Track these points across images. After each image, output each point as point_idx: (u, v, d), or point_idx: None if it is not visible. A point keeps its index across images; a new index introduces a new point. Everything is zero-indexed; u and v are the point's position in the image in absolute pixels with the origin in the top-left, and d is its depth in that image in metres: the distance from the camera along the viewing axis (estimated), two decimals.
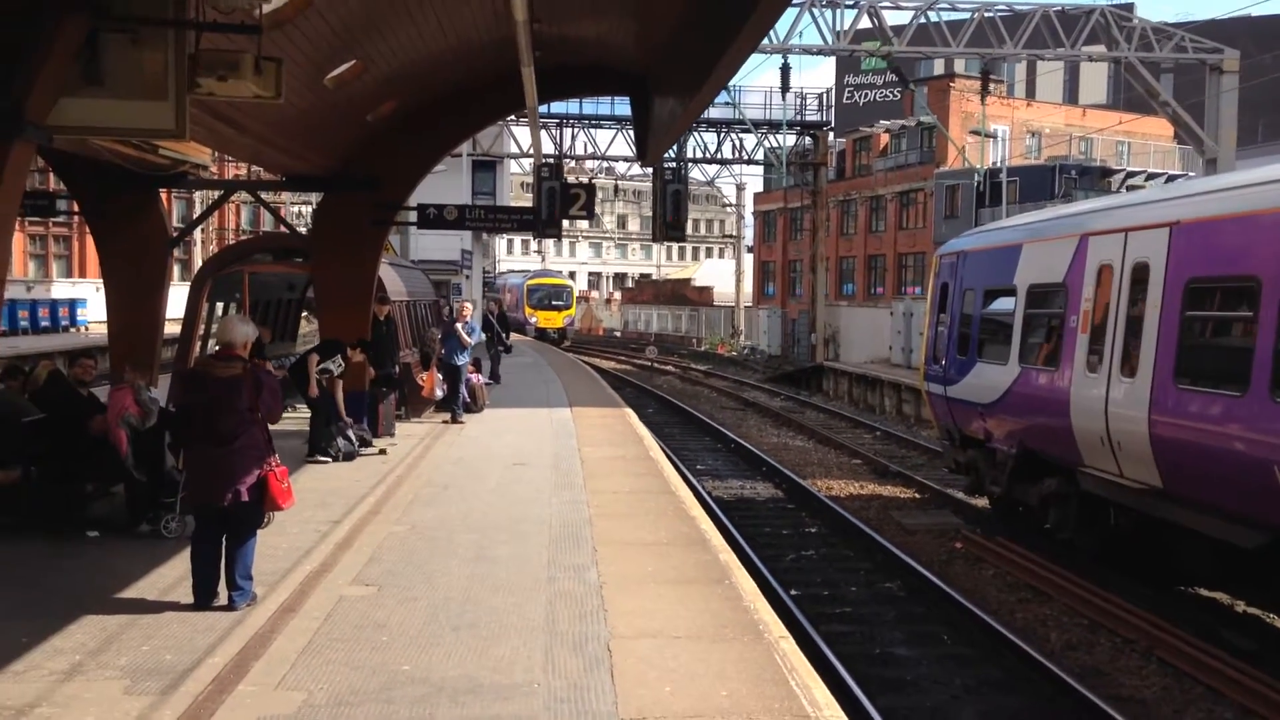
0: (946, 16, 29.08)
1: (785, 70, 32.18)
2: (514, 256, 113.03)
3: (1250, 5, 48.44)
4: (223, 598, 7.64)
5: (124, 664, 6.46)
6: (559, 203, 16.68)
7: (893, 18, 29.00)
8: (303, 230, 21.77)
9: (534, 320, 58.81)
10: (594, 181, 32.33)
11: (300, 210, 50.06)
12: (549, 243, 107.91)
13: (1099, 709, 8.83)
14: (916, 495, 18.52)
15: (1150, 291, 11.26)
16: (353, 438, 14.48)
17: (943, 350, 16.76)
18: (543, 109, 37.38)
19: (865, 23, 29.20)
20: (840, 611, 11.89)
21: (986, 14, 28.55)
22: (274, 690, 6.06)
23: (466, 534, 9.92)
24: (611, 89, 16.16)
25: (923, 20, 28.96)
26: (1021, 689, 9.69)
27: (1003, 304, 14.83)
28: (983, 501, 16.83)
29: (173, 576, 8.37)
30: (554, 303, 60.44)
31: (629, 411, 20.76)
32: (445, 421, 18.29)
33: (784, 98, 37.18)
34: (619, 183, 70.29)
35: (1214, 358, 10.56)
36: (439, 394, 18.29)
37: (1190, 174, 49.67)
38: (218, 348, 7.69)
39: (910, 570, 13.28)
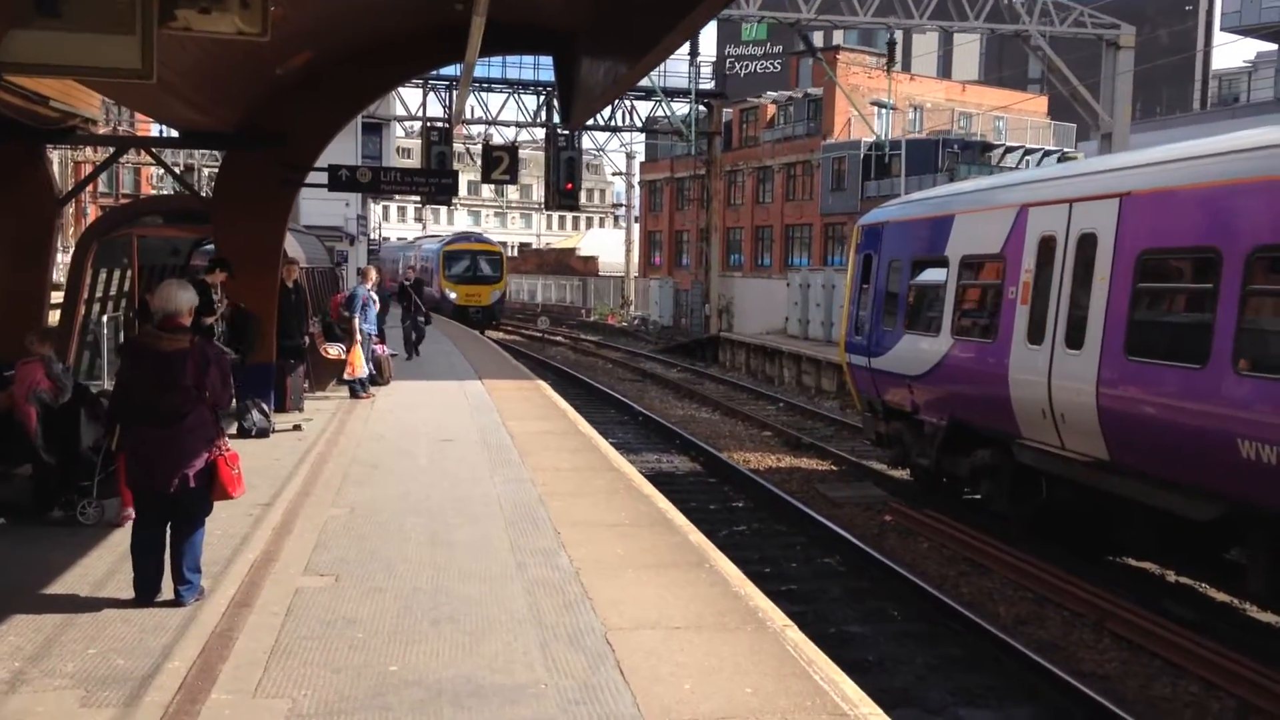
0: None
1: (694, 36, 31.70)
2: (391, 224, 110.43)
3: None
4: (166, 592, 6.94)
5: (72, 671, 5.75)
6: (485, 167, 15.97)
7: None
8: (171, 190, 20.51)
9: (453, 296, 46.45)
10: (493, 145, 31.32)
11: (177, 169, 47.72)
12: (426, 210, 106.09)
13: (1069, 685, 8.74)
14: (834, 467, 18.45)
15: (1098, 263, 11.21)
16: (267, 412, 13.66)
17: (866, 322, 16.65)
18: (432, 71, 36.23)
19: None
20: (786, 589, 11.61)
21: None
22: (253, 698, 5.45)
23: (414, 517, 9.32)
24: (536, 48, 15.51)
25: None
26: (985, 667, 9.56)
27: (933, 275, 14.74)
28: (903, 473, 16.83)
29: (102, 568, 7.62)
30: (480, 274, 48.34)
31: (543, 384, 20.25)
32: (352, 395, 17.48)
33: (692, 64, 36.73)
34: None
35: (1169, 330, 10.56)
36: (367, 370, 17.45)
37: (1066, 149, 51.13)
38: (160, 318, 6.93)
39: (847, 544, 13.13)
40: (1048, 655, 9.56)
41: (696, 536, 8.75)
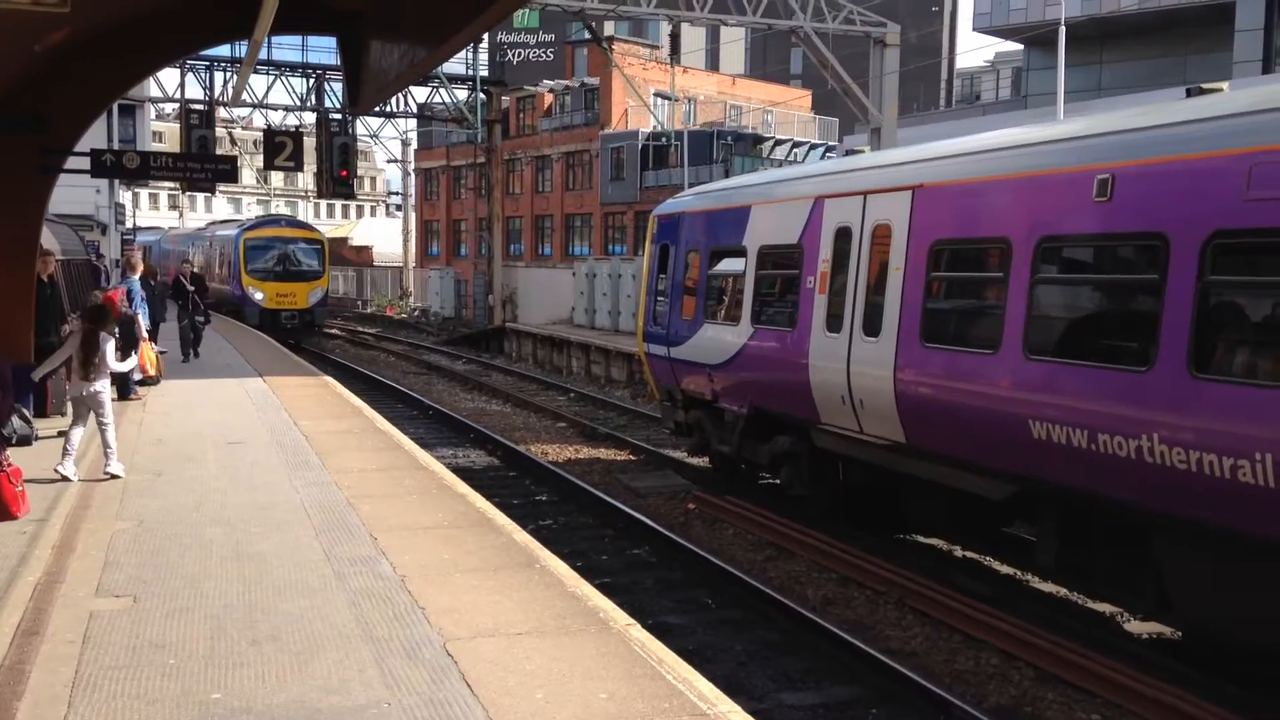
0: None
1: None
2: (142, 211, 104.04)
3: None
4: None
5: None
6: (267, 153, 15.10)
7: None
8: None
9: (259, 298, 36.04)
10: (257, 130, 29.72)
11: None
12: (184, 198, 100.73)
13: (883, 664, 8.98)
14: (633, 457, 18.51)
15: (893, 254, 11.57)
16: (29, 417, 12.53)
17: (664, 312, 16.73)
18: (204, 50, 34.23)
19: None
20: (601, 583, 11.45)
21: None
22: None
23: (212, 527, 8.70)
24: (320, 28, 14.78)
25: None
26: (802, 650, 9.72)
27: (731, 265, 14.93)
28: (703, 461, 17.04)
29: None
30: (294, 267, 37.24)
31: (331, 380, 19.48)
32: (121, 397, 16.27)
33: (474, 50, 36.09)
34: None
35: (962, 318, 10.98)
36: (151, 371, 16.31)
37: (830, 142, 53.26)
38: None
39: (656, 535, 13.15)
40: (858, 635, 9.81)
41: (522, 536, 8.51)
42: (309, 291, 36.98)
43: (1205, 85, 9.55)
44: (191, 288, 21.42)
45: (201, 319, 21.72)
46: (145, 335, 16.38)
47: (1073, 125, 10.28)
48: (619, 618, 6.59)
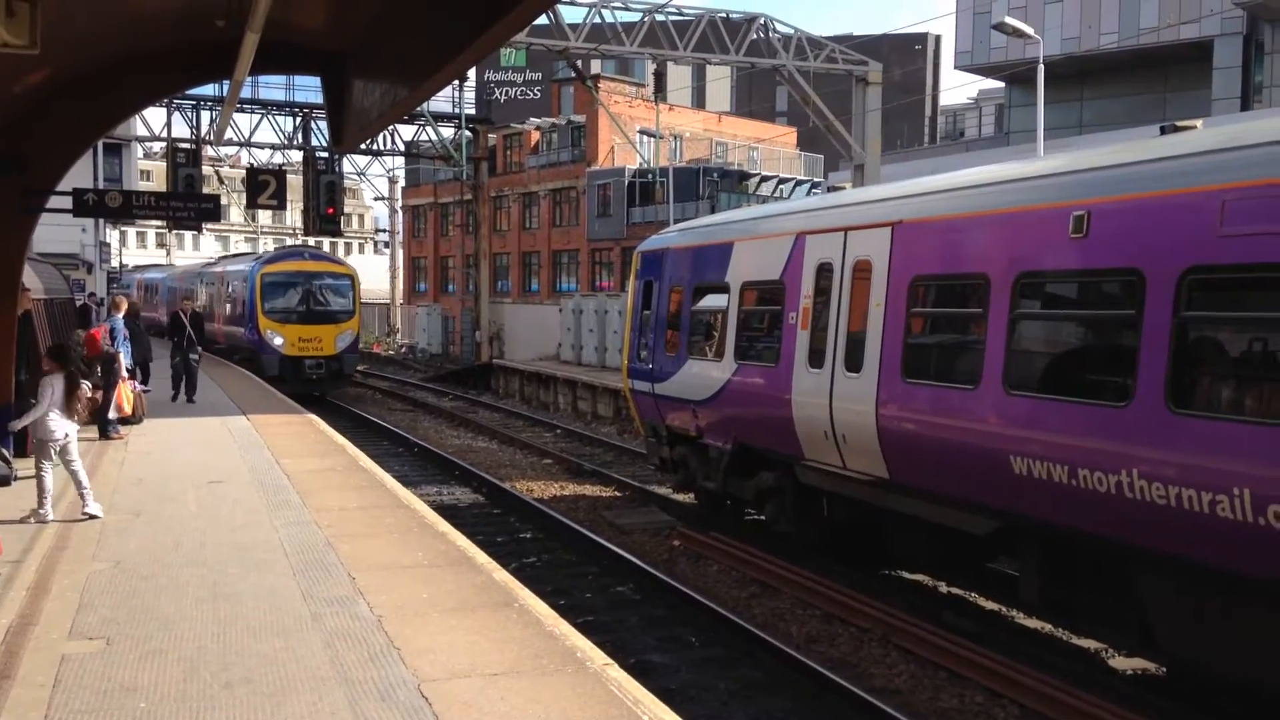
0: (622, 17, 29.54)
1: None
2: (130, 249, 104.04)
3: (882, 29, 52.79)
4: None
5: None
6: (251, 191, 15.12)
7: (568, 15, 29.13)
8: None
9: (278, 343, 30.44)
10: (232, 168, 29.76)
11: None
12: (171, 237, 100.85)
13: (868, 703, 8.92)
14: (618, 493, 18.45)
15: (874, 289, 11.60)
16: (8, 457, 12.46)
17: (648, 348, 16.74)
18: (185, 91, 34.39)
19: (540, 19, 29.06)
20: (584, 621, 11.41)
21: (657, 16, 29.21)
22: None
23: (190, 568, 8.63)
24: (303, 68, 14.85)
25: (596, 20, 29.29)
26: (785, 689, 9.66)
27: (715, 301, 14.96)
28: (688, 497, 17.00)
29: None
30: (319, 306, 31.46)
31: (315, 418, 19.39)
32: (102, 436, 16.20)
33: (460, 89, 36.32)
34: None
35: (943, 353, 11.01)
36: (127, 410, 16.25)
37: (816, 179, 53.60)
38: None
39: (640, 572, 13.09)
40: (842, 673, 9.75)
41: (501, 574, 8.46)
42: (337, 335, 31.24)
43: (1179, 123, 9.63)
44: (189, 326, 21.29)
45: (195, 356, 21.51)
46: (125, 375, 16.31)
47: (1049, 162, 10.35)
48: (596, 657, 6.54)
